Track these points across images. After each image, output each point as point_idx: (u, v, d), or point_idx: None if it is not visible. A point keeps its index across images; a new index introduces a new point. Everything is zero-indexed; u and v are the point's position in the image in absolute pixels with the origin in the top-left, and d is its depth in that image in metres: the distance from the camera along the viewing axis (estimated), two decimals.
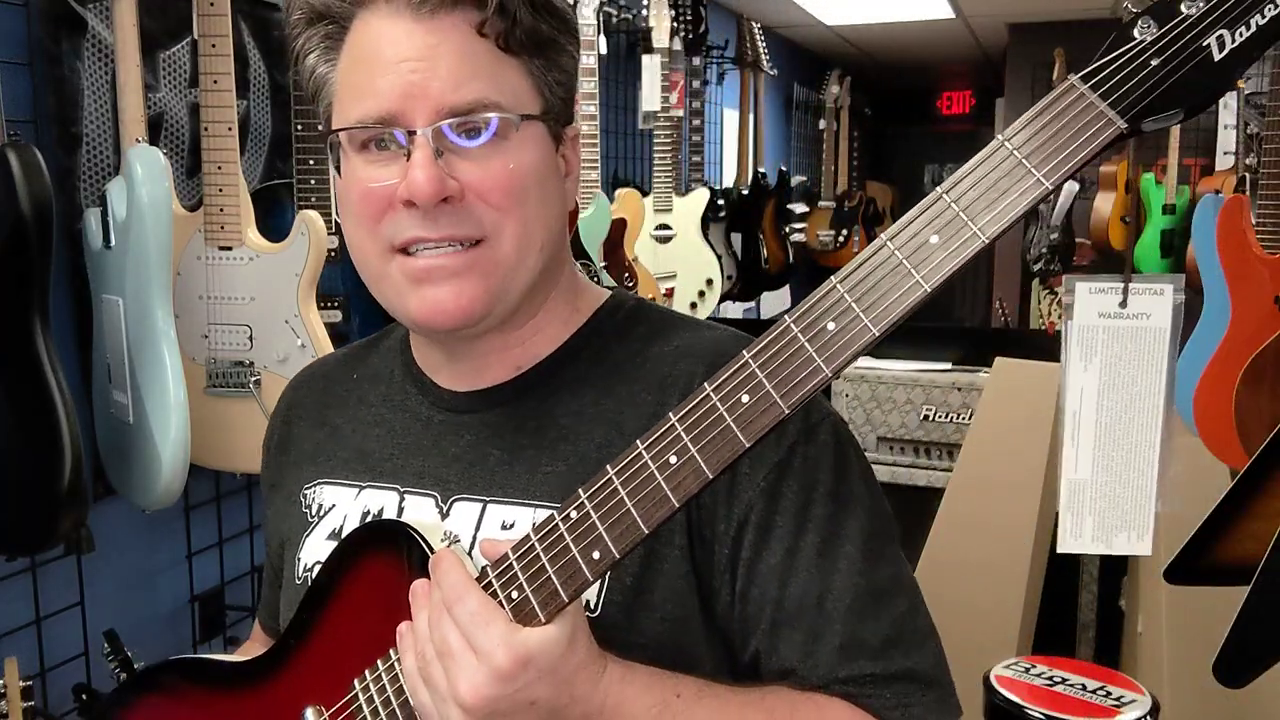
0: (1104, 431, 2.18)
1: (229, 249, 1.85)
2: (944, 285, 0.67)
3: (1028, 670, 1.93)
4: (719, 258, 3.76)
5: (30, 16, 1.74)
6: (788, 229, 4.67)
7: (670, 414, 0.73)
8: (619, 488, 0.74)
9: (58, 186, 1.63)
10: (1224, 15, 0.62)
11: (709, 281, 3.66)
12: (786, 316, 0.71)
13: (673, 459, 0.73)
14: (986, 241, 0.66)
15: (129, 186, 1.68)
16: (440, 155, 0.83)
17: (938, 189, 0.68)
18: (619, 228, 3.02)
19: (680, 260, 3.56)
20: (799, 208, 5.46)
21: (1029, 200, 0.65)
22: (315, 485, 1.03)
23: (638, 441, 0.74)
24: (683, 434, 0.72)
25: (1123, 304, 2.21)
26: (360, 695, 0.88)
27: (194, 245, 1.86)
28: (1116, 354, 2.19)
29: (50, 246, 1.50)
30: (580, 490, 0.76)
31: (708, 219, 3.75)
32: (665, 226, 3.56)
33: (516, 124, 0.85)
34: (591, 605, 0.87)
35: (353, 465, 1.01)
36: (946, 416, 2.94)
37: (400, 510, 0.96)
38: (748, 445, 0.71)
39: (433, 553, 0.83)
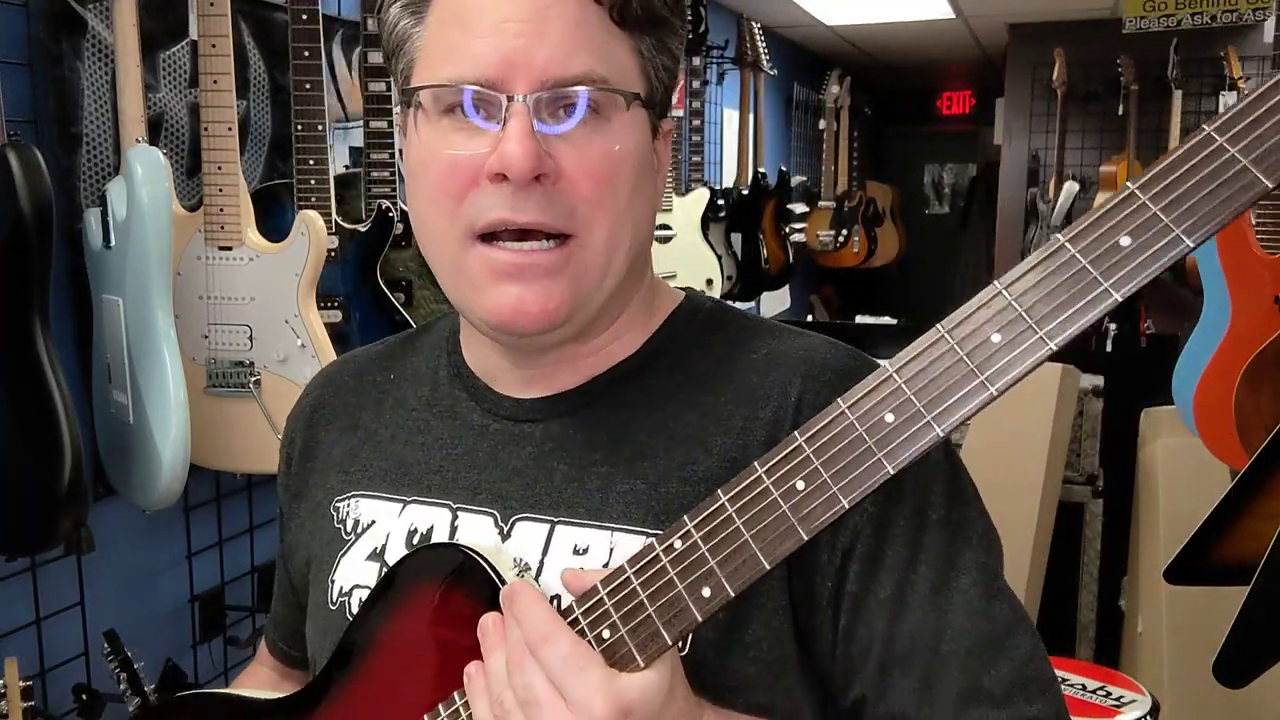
0: None
1: (229, 249, 1.85)
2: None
3: None
4: (719, 258, 3.76)
5: (30, 16, 1.74)
6: (788, 229, 4.67)
7: (796, 434, 0.65)
8: (734, 515, 0.66)
9: (58, 186, 1.63)
10: None
11: (709, 281, 3.66)
12: (940, 326, 0.62)
13: (800, 484, 0.65)
14: (1117, 299, 0.58)
15: (129, 186, 1.68)
16: (535, 130, 0.73)
17: (1058, 237, 0.60)
18: None
19: (680, 260, 3.56)
20: (799, 208, 5.46)
21: (1167, 258, 0.57)
22: (349, 498, 0.92)
23: (755, 464, 0.66)
24: (812, 456, 0.64)
25: None
26: None
27: (194, 245, 1.86)
28: None
29: (50, 246, 1.50)
30: (686, 518, 0.68)
31: (708, 219, 3.75)
32: (665, 226, 3.56)
33: (626, 103, 0.76)
34: (681, 644, 0.76)
35: (392, 477, 0.90)
36: None
37: (454, 530, 0.85)
38: (892, 472, 0.63)
39: (503, 583, 0.75)
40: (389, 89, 2.15)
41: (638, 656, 0.69)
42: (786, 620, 0.78)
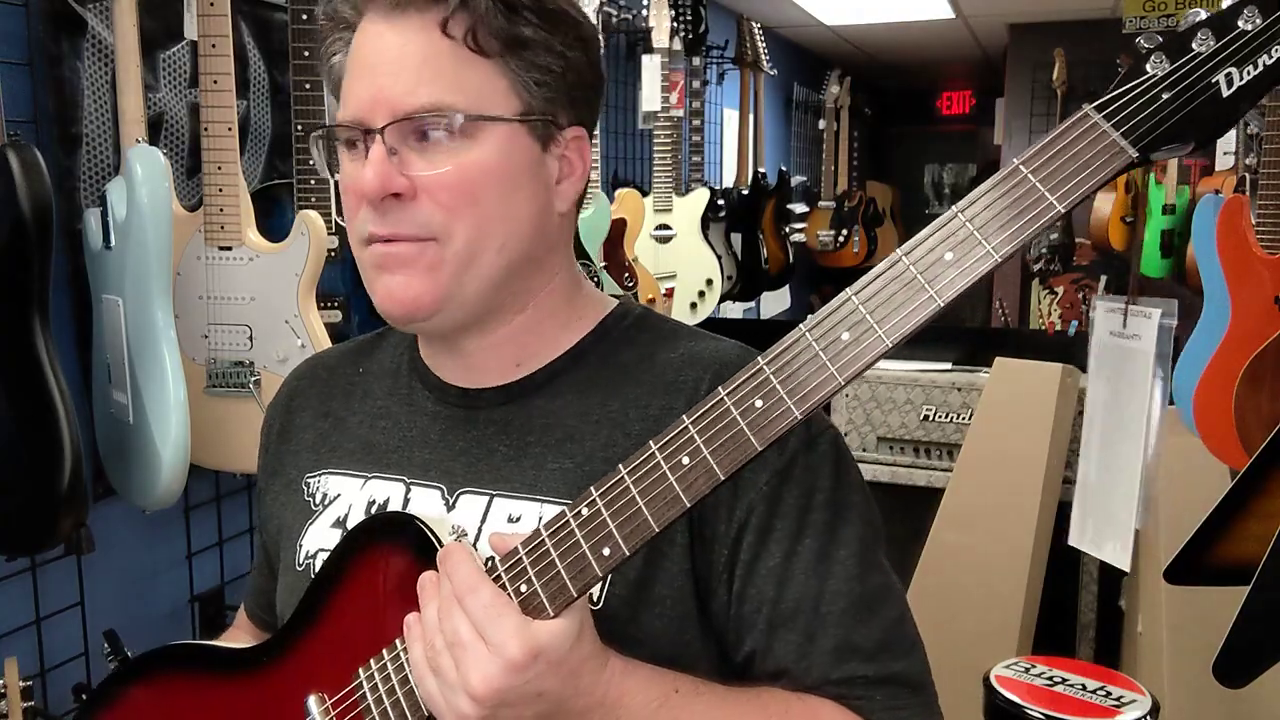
0: (1106, 444, 2.19)
1: (229, 249, 1.85)
2: (957, 300, 0.70)
3: (1028, 670, 1.93)
4: (719, 258, 3.76)
5: (30, 16, 1.74)
6: (788, 229, 4.67)
7: (684, 416, 0.75)
8: (630, 486, 0.76)
9: (58, 186, 1.63)
10: (1233, 54, 0.66)
11: (709, 281, 3.66)
12: (802, 326, 0.73)
13: (685, 460, 0.75)
14: (999, 260, 0.69)
15: (129, 186, 1.68)
16: (395, 154, 0.87)
17: (954, 208, 0.70)
18: (619, 228, 3.02)
19: (680, 260, 3.56)
20: (799, 208, 5.46)
21: (1041, 222, 0.68)
22: (319, 475, 1.04)
23: (650, 443, 0.76)
24: (695, 435, 0.75)
25: (1124, 324, 2.26)
26: (364, 684, 0.89)
27: (194, 245, 1.86)
28: (1118, 371, 2.24)
29: (50, 246, 1.50)
30: (592, 489, 0.78)
31: (708, 219, 3.74)
32: (665, 226, 3.56)
33: (469, 124, 0.87)
34: (595, 599, 0.88)
35: (358, 456, 1.02)
36: (946, 416, 2.94)
37: (406, 501, 0.97)
38: (760, 449, 0.73)
39: (441, 545, 0.85)
40: None
41: (549, 607, 0.79)
42: (689, 582, 0.89)
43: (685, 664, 0.88)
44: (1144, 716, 1.78)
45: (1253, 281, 2.16)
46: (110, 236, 1.71)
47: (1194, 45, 0.66)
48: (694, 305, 3.63)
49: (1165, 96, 0.66)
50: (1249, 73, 0.65)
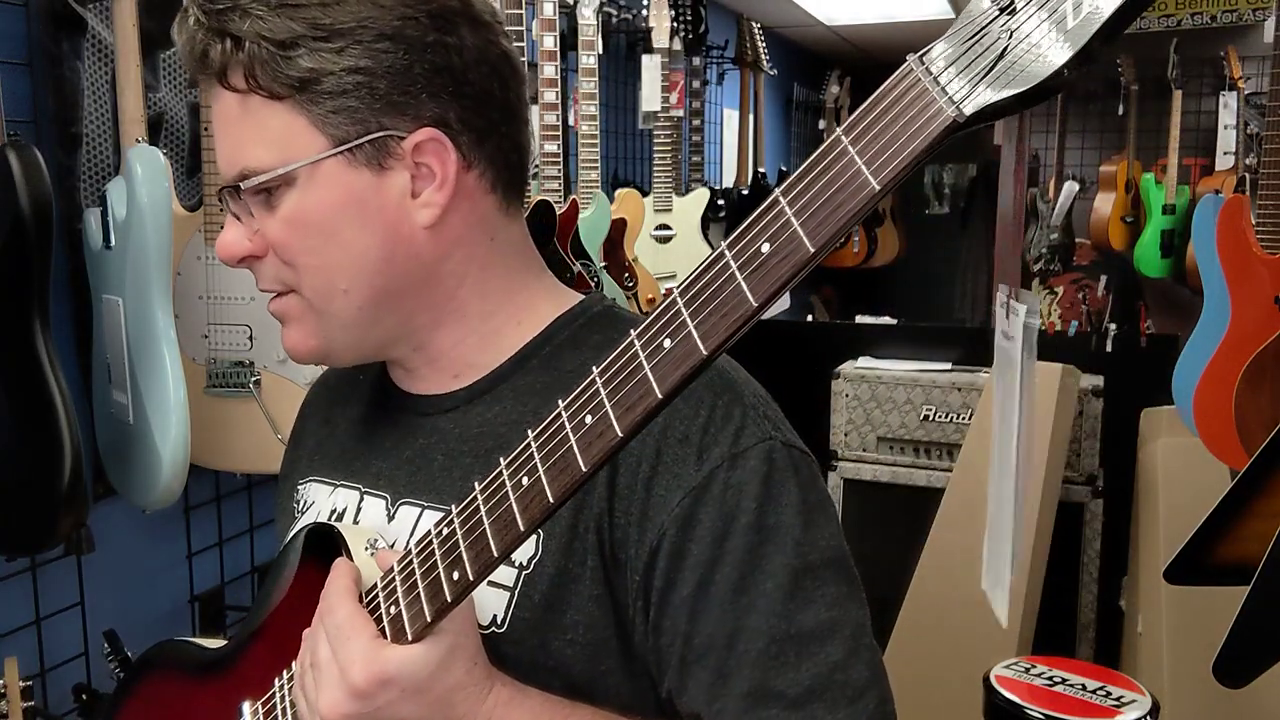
0: (997, 467, 1.86)
1: None
2: (772, 299, 0.59)
3: (1028, 670, 1.93)
4: None
5: (30, 16, 1.74)
6: None
7: (529, 433, 0.68)
8: (480, 505, 0.71)
9: (58, 186, 1.63)
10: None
11: None
12: (631, 330, 0.63)
13: (524, 480, 0.68)
14: (814, 251, 0.57)
15: (129, 186, 1.68)
16: (249, 215, 0.88)
17: (776, 190, 0.59)
18: (619, 228, 3.02)
19: (680, 260, 3.56)
20: None
21: (857, 203, 0.56)
22: (306, 482, 1.05)
23: (500, 459, 0.70)
24: (535, 452, 0.67)
25: (1007, 319, 1.93)
26: (278, 693, 0.90)
27: (194, 245, 1.86)
28: (1002, 380, 1.91)
29: (50, 246, 1.50)
30: (453, 506, 0.73)
31: (708, 219, 3.74)
32: (665, 226, 3.56)
33: (279, 178, 0.84)
34: (499, 620, 0.83)
35: (334, 463, 1.02)
36: (946, 416, 2.94)
37: (359, 510, 0.96)
38: (585, 470, 0.64)
39: (351, 559, 0.84)
40: None
41: (409, 630, 0.74)
42: (605, 608, 0.82)
43: (601, 695, 0.82)
44: (1144, 716, 1.78)
45: (1253, 281, 2.16)
46: (110, 236, 1.71)
47: None
48: None
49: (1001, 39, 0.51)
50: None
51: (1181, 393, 2.29)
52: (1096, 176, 4.78)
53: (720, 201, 4.00)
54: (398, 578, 0.76)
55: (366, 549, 0.86)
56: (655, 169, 3.53)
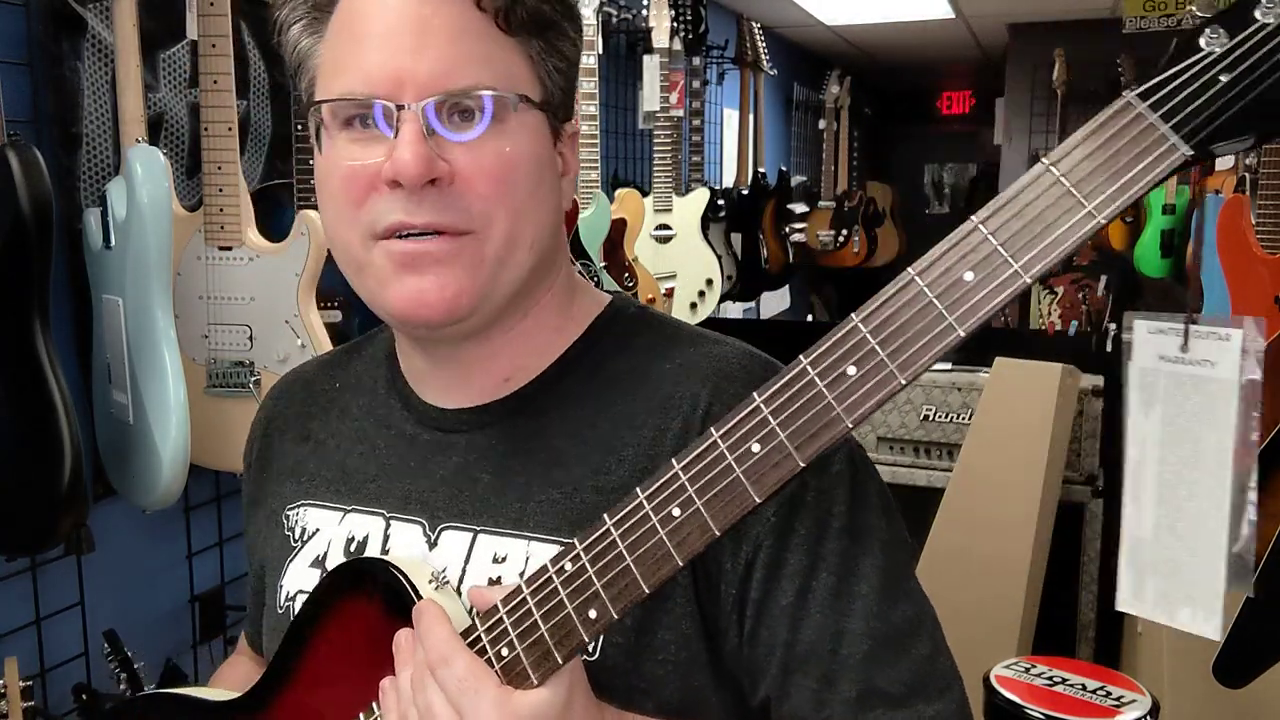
0: (1165, 491, 1.98)
1: (229, 249, 1.85)
2: (980, 328, 0.59)
3: (1028, 670, 1.93)
4: (719, 258, 3.76)
5: (30, 16, 1.74)
6: (788, 229, 4.67)
7: (674, 461, 0.67)
8: (618, 541, 0.68)
9: (58, 186, 1.63)
10: None
11: (709, 281, 3.66)
12: (803, 358, 0.63)
13: (676, 511, 0.66)
14: (1029, 282, 0.58)
15: (129, 186, 1.68)
16: (430, 135, 0.76)
17: (972, 219, 0.59)
18: (619, 228, 3.02)
19: (680, 260, 3.56)
20: (799, 208, 5.46)
21: (1078, 236, 0.56)
22: (298, 506, 0.96)
23: (638, 490, 0.68)
24: (687, 484, 0.65)
25: (1184, 348, 1.97)
26: None
27: (194, 245, 1.86)
28: (1179, 404, 1.99)
29: (50, 246, 1.50)
30: (576, 541, 0.70)
31: (708, 219, 3.74)
32: (665, 226, 3.56)
33: (514, 106, 0.79)
34: (590, 649, 0.80)
35: (336, 486, 0.94)
36: (946, 416, 2.94)
37: (386, 538, 0.89)
38: (759, 501, 0.64)
39: (418, 597, 0.78)
40: None
41: (532, 675, 0.71)
42: (695, 624, 0.81)
43: (695, 712, 0.81)
44: (1144, 716, 1.78)
45: (1253, 281, 2.16)
46: (110, 236, 1.71)
47: (1257, 14, 0.53)
48: (694, 305, 3.63)
49: (1224, 79, 0.53)
50: None
51: None
52: None
53: (720, 201, 4.00)
54: (507, 619, 0.73)
55: (431, 583, 0.81)
56: (655, 169, 3.53)
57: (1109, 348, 3.01)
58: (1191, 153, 0.55)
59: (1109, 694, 1.84)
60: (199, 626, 2.13)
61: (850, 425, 0.62)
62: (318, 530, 0.93)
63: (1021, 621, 2.52)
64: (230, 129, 1.82)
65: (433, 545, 0.86)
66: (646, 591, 0.68)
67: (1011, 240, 0.58)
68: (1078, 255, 4.84)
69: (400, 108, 0.76)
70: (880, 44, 6.50)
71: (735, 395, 0.79)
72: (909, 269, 0.61)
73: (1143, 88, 0.56)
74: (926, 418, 2.96)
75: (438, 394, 0.91)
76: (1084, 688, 1.86)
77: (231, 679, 1.10)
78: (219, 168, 1.83)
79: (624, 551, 0.68)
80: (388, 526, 0.89)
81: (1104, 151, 0.57)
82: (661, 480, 0.67)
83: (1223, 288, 2.20)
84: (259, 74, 2.18)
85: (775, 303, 5.41)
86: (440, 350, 0.88)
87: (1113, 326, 3.21)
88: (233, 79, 1.81)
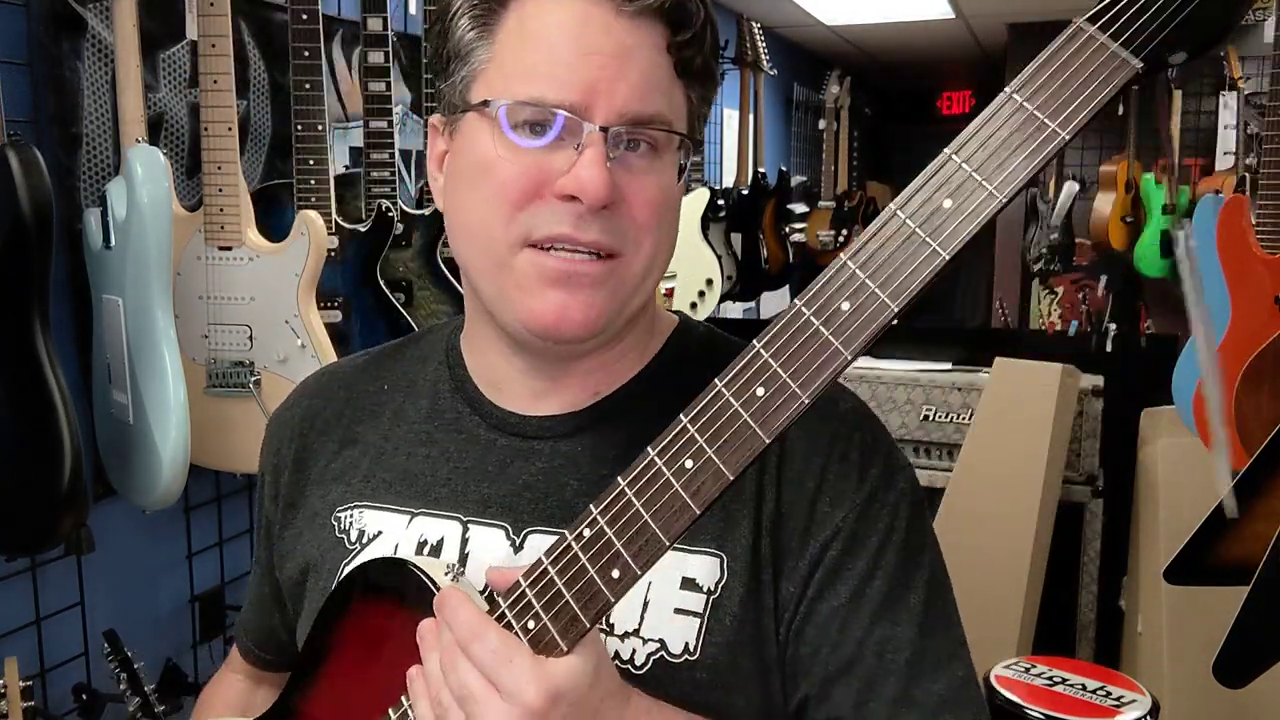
0: None
1: (229, 249, 1.85)
2: (963, 251, 0.64)
3: (1028, 670, 1.93)
4: (719, 258, 3.76)
5: (30, 16, 1.74)
6: (788, 229, 4.67)
7: (681, 415, 0.68)
8: (634, 500, 0.70)
9: (58, 186, 1.63)
10: None
11: (709, 281, 3.66)
12: (797, 300, 0.66)
13: (689, 463, 0.68)
14: (1004, 201, 0.63)
15: (129, 186, 1.68)
16: (609, 159, 0.79)
17: (946, 150, 0.65)
18: None
19: (680, 260, 3.56)
20: (799, 208, 5.46)
21: (1046, 152, 0.62)
22: (351, 508, 0.94)
23: (649, 448, 0.69)
24: (696, 435, 0.68)
25: None
26: None
27: (194, 245, 1.86)
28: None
29: (50, 246, 1.50)
30: (592, 506, 0.71)
31: (708, 219, 3.75)
32: None
33: (677, 143, 0.83)
34: (691, 648, 0.82)
35: (398, 488, 0.93)
36: (946, 416, 2.94)
37: (465, 542, 0.89)
38: (767, 441, 0.66)
39: (438, 590, 0.78)
40: (389, 89, 2.15)
41: (561, 642, 0.72)
42: (771, 618, 0.83)
43: (724, 710, 0.83)
44: (1144, 716, 1.78)
45: (1253, 281, 2.16)
46: (110, 236, 1.71)
47: None
48: (694, 305, 3.63)
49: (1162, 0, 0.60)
50: None
51: (1181, 393, 2.29)
52: (1096, 176, 4.77)
53: (720, 201, 4.00)
54: (530, 593, 0.74)
55: (447, 574, 0.82)
56: None
57: (1109, 348, 3.01)
58: (1142, 65, 0.61)
59: (1109, 694, 1.84)
60: (199, 626, 2.13)
61: (850, 357, 0.64)
62: (380, 533, 0.92)
63: (1021, 621, 2.53)
64: (230, 129, 1.82)
65: (518, 549, 0.87)
66: (667, 544, 0.69)
67: (984, 165, 0.64)
68: (1077, 255, 4.84)
69: (590, 126, 0.78)
70: (880, 44, 6.50)
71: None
72: (891, 204, 0.66)
73: (1090, 13, 0.63)
74: (927, 418, 2.96)
75: (523, 401, 0.91)
76: (1084, 688, 1.86)
77: (225, 700, 1.09)
78: (219, 168, 1.83)
79: (640, 509, 0.69)
80: (465, 530, 0.89)
81: (1060, 74, 0.63)
82: (670, 435, 0.69)
83: (1223, 288, 2.20)
84: (259, 74, 2.18)
85: (775, 303, 5.41)
86: (547, 361, 0.89)
87: (1113, 326, 3.21)
88: (233, 79, 1.82)
